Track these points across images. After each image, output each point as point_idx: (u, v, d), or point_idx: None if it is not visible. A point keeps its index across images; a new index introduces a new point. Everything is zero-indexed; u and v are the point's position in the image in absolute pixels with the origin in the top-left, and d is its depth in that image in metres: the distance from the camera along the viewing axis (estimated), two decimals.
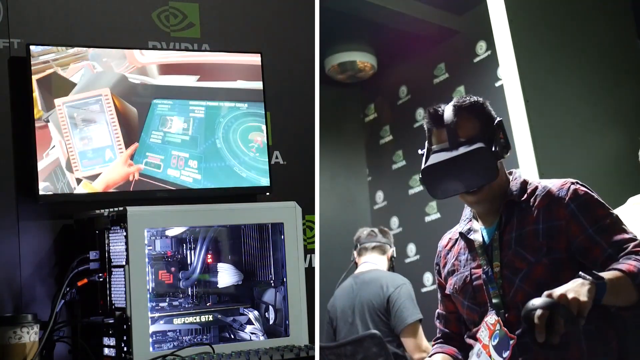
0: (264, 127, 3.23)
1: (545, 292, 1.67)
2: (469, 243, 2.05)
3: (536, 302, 1.64)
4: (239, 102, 3.20)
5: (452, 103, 2.01)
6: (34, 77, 2.84)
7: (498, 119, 2.01)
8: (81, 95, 2.92)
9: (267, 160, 3.23)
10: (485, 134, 1.96)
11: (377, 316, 3.38)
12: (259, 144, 3.21)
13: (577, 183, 1.96)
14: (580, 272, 1.71)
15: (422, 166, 2.00)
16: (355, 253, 3.69)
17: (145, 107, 3.04)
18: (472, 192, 1.97)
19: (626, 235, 1.87)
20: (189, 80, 3.13)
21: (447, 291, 2.11)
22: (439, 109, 2.01)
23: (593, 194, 1.94)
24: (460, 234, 2.10)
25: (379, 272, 3.54)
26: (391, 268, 3.67)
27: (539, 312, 1.62)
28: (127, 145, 2.99)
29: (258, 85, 3.24)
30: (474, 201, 2.00)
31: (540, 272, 1.89)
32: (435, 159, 1.97)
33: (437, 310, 2.21)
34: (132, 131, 3.01)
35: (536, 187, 1.99)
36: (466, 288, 2.02)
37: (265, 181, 3.21)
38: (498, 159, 1.96)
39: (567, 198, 1.91)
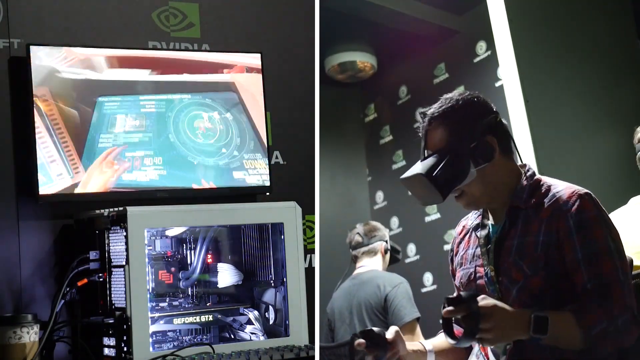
0: (205, 114, 3.15)
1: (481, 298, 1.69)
2: (478, 239, 2.03)
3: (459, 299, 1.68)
4: (184, 94, 3.12)
5: (429, 109, 1.98)
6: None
7: (490, 117, 1.94)
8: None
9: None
10: (456, 142, 1.91)
11: (375, 315, 3.38)
12: (203, 130, 3.15)
13: (587, 195, 1.88)
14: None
15: None
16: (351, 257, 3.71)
17: (90, 107, 2.93)
18: (457, 197, 1.96)
19: (610, 268, 1.81)
20: (141, 75, 3.05)
21: (456, 283, 2.09)
22: (425, 113, 1.99)
23: (599, 211, 1.87)
24: (471, 228, 2.08)
25: (376, 272, 3.55)
26: (393, 260, 3.68)
27: (449, 308, 1.68)
28: (79, 155, 2.90)
29: (201, 77, 3.16)
30: (463, 205, 1.98)
31: (537, 285, 1.86)
32: (408, 171, 1.97)
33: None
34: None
35: (546, 192, 1.92)
36: (470, 285, 2.01)
37: (211, 162, 3.14)
38: (477, 166, 1.90)
39: (570, 211, 1.85)
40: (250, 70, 3.23)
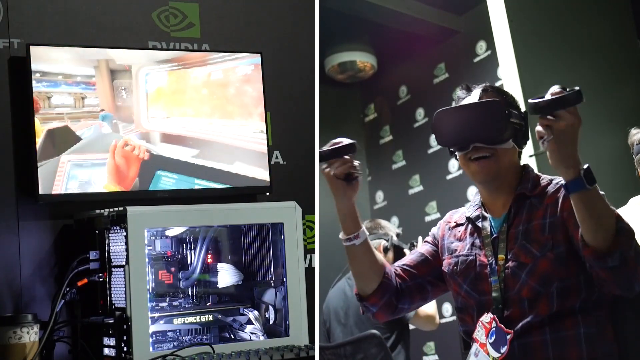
0: None
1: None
2: (478, 230, 2.04)
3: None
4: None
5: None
6: (45, 127, 2.85)
7: (524, 110, 2.01)
8: (87, 155, 2.92)
9: (267, 160, 3.23)
10: (507, 107, 1.97)
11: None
12: None
13: None
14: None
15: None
16: None
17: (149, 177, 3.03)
18: (477, 160, 1.96)
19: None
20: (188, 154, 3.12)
21: (444, 269, 2.09)
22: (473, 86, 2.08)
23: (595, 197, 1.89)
24: (469, 219, 2.09)
25: None
26: (398, 255, 3.68)
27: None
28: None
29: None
30: (476, 171, 1.97)
31: (545, 267, 1.88)
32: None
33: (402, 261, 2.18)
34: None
35: (549, 183, 1.98)
36: (468, 272, 2.01)
37: None
38: (515, 139, 1.96)
39: None
40: None
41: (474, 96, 2.03)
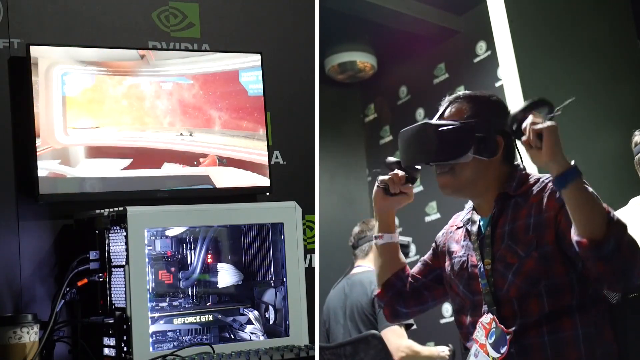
0: None
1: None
2: (468, 232, 2.06)
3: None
4: None
5: (460, 92, 2.08)
6: None
7: (502, 123, 1.97)
8: None
9: (267, 160, 3.23)
10: (470, 123, 1.96)
11: (366, 317, 3.38)
12: None
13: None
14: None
15: None
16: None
17: None
18: (441, 174, 1.99)
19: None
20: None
21: (446, 270, 2.11)
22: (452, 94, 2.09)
23: (587, 187, 1.90)
24: (463, 222, 2.11)
25: (368, 273, 3.55)
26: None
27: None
28: None
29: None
30: (444, 184, 2.00)
31: (531, 266, 1.88)
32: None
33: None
34: None
35: (535, 182, 1.98)
36: (462, 274, 2.03)
37: None
38: (476, 154, 1.95)
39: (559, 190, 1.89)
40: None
41: (440, 109, 2.05)
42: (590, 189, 1.78)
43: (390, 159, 2.11)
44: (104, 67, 2.97)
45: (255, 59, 3.24)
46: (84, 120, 2.92)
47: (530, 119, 1.81)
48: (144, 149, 3.02)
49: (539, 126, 1.78)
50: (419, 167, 2.09)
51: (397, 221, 5.40)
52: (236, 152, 3.18)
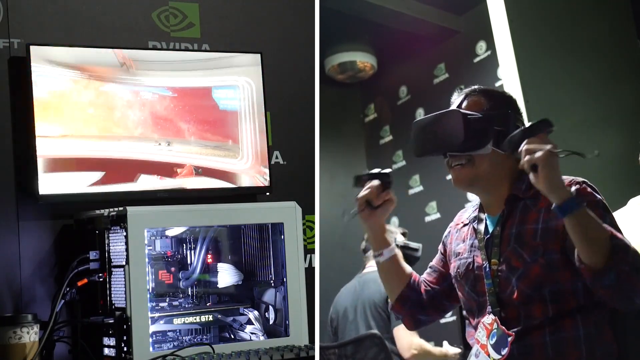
0: None
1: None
2: (475, 231, 2.05)
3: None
4: None
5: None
6: None
7: (518, 118, 2.00)
8: None
9: (267, 160, 3.23)
10: (491, 114, 1.96)
11: (378, 313, 3.40)
12: None
13: (584, 183, 1.92)
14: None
15: None
16: None
17: None
18: (459, 167, 1.97)
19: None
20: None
21: (452, 272, 2.11)
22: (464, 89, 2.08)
23: (597, 195, 1.90)
24: (469, 219, 2.10)
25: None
26: (410, 259, 3.69)
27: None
28: None
29: None
30: (454, 178, 1.99)
31: (537, 272, 1.88)
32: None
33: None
34: None
35: None
36: (468, 275, 2.02)
37: None
38: (496, 146, 1.95)
39: None
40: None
41: (457, 102, 2.04)
42: (593, 216, 1.75)
43: (361, 174, 2.07)
44: (79, 70, 2.90)
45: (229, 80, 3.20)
46: (51, 127, 2.81)
47: (525, 145, 1.77)
48: (117, 160, 2.93)
49: (534, 156, 1.74)
50: (388, 170, 2.06)
51: (397, 221, 5.42)
52: (210, 162, 3.13)
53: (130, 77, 3.00)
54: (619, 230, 1.85)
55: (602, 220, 1.81)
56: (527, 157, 1.75)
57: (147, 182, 2.99)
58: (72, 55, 2.89)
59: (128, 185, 2.95)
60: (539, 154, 1.74)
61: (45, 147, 2.81)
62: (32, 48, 2.84)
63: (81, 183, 2.87)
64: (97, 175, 2.89)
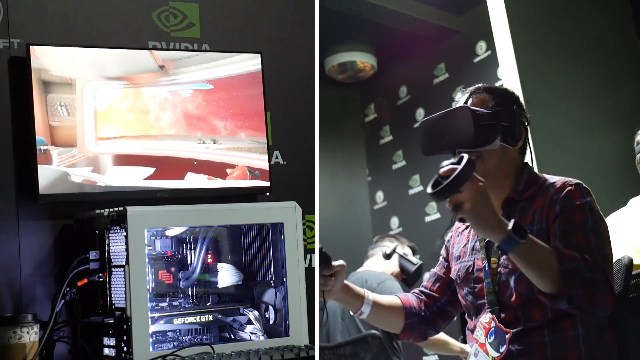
0: None
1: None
2: (476, 234, 2.06)
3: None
4: None
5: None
6: None
7: (522, 114, 2.03)
8: None
9: (267, 160, 3.23)
10: (497, 111, 1.97)
11: None
12: None
13: (577, 184, 1.94)
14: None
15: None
16: None
17: None
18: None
19: (582, 240, 1.85)
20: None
21: (452, 276, 2.12)
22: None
23: (585, 198, 1.91)
24: None
25: (368, 271, 3.62)
26: (409, 274, 3.70)
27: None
28: None
29: None
30: None
31: None
32: None
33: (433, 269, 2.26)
34: None
35: (541, 185, 1.98)
36: (467, 278, 2.04)
37: None
38: (503, 141, 1.97)
39: (559, 199, 1.91)
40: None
41: (462, 100, 2.05)
42: (537, 246, 1.76)
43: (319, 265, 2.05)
44: (127, 80, 3.00)
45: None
46: (111, 130, 2.96)
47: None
48: (166, 158, 3.04)
49: (453, 198, 1.73)
50: (329, 256, 2.05)
51: (397, 221, 5.42)
52: (262, 162, 3.21)
53: (170, 77, 3.08)
54: (599, 233, 1.87)
55: (583, 224, 1.85)
56: (467, 196, 1.72)
57: (195, 181, 3.08)
58: (120, 70, 2.99)
59: (177, 182, 3.05)
60: (458, 196, 1.72)
61: (107, 147, 2.95)
62: (72, 62, 2.88)
63: (137, 177, 2.99)
64: (149, 170, 3.02)
